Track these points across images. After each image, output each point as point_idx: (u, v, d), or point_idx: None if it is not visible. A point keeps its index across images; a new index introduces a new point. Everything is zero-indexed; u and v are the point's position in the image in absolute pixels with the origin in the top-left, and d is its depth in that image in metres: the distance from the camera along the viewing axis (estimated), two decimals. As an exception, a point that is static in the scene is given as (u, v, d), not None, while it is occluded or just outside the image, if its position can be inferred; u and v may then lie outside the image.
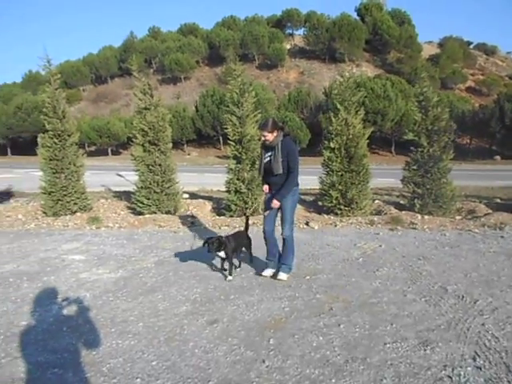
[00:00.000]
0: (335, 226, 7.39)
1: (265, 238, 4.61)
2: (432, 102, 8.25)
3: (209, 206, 9.17)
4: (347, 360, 2.83)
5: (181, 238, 6.48)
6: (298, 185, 4.47)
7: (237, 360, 2.87)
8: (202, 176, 19.06)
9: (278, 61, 52.73)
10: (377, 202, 9.15)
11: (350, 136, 8.13)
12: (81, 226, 7.47)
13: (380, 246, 5.88)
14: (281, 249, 4.62)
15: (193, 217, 7.97)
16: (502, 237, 6.26)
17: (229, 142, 8.33)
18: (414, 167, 8.34)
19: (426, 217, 7.62)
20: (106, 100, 54.66)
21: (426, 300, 3.83)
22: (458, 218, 8.05)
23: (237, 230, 6.07)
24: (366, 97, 32.47)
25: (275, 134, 4.27)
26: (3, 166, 26.30)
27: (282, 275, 4.51)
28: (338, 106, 8.25)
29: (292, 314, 3.60)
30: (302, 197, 10.25)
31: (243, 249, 5.00)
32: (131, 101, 47.76)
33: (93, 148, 40.49)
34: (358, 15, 57.09)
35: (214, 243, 4.45)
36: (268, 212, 4.52)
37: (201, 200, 9.51)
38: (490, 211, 8.43)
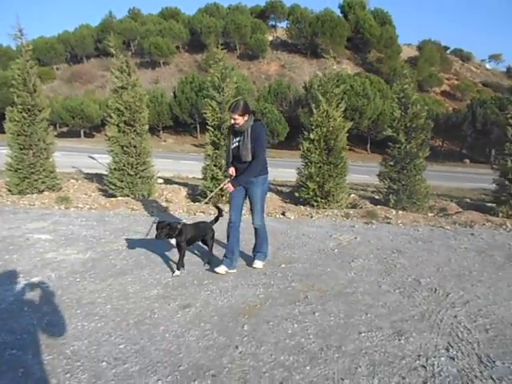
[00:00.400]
0: (311, 217, 7.37)
1: (228, 230, 4.21)
2: (412, 99, 8.33)
3: (184, 192, 8.98)
4: (322, 348, 2.78)
5: (154, 222, 6.28)
6: (267, 173, 4.23)
7: (209, 345, 2.77)
8: (177, 163, 18.71)
9: (260, 52, 52.36)
10: (352, 195, 9.21)
11: (331, 128, 8.10)
12: (48, 206, 7.15)
13: (355, 238, 5.89)
14: (254, 239, 4.46)
15: (167, 201, 7.78)
16: (472, 234, 6.38)
17: (207, 127, 8.15)
18: (391, 163, 8.41)
19: (400, 212, 7.71)
20: (81, 80, 52.86)
21: (400, 291, 3.84)
22: (430, 214, 8.20)
23: (201, 219, 5.19)
24: (345, 93, 32.74)
25: (246, 118, 3.94)
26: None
27: (258, 263, 4.39)
28: (320, 97, 8.21)
29: (267, 301, 3.52)
30: (279, 188, 10.22)
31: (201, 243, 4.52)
32: (107, 82, 46.40)
33: (65, 129, 39.13)
34: (341, 12, 57.22)
35: (163, 228, 3.97)
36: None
37: (176, 186, 9.31)
38: (461, 210, 8.64)
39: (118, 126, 7.95)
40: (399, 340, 2.90)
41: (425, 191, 8.33)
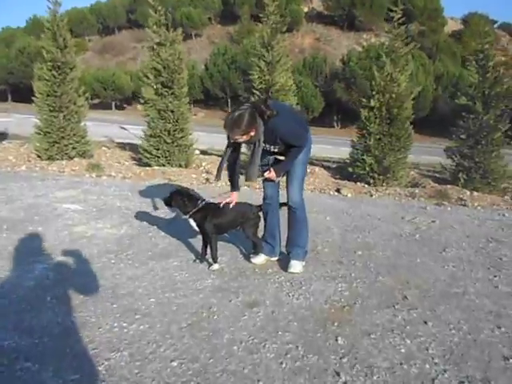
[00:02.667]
0: (371, 195, 6.41)
1: (264, 208, 3.24)
2: (493, 61, 7.10)
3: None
4: (462, 382, 1.91)
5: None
6: (311, 142, 3.06)
7: (297, 369, 1.95)
8: (210, 136, 17.91)
9: (294, 24, 50.20)
10: (412, 173, 8.15)
11: (394, 95, 7.02)
12: (79, 173, 6.47)
13: (433, 221, 4.92)
14: (287, 227, 3.23)
15: (207, 173, 6.98)
16: None
17: (253, 91, 7.23)
18: (463, 136, 7.29)
19: (476, 193, 6.64)
20: (113, 52, 52.35)
21: (527, 295, 2.91)
22: (506, 197, 7.09)
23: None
24: (412, 56, 30.88)
25: (252, 133, 2.73)
26: (1, 110, 25.03)
27: (296, 265, 3.10)
28: (384, 57, 7.11)
29: (355, 302, 2.67)
30: (324, 163, 9.28)
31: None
32: (138, 54, 45.82)
33: (96, 101, 38.80)
34: (381, -18, 53.96)
35: (177, 196, 3.04)
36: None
37: (214, 157, 8.49)
38: (542, 193, 7.48)
39: (154, 87, 7.14)
40: None
41: (502, 170, 7.19)
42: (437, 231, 4.50)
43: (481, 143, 7.11)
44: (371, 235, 4.21)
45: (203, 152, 9.57)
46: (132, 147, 9.03)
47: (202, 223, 3.03)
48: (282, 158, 2.95)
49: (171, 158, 7.29)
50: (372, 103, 7.03)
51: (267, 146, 2.85)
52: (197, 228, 3.08)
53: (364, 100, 7.38)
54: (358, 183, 7.16)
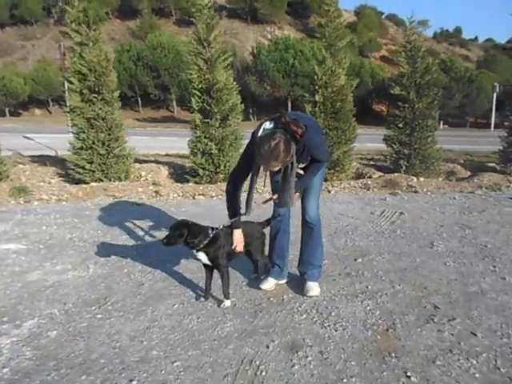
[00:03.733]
0: (328, 191, 6.36)
1: (273, 226, 2.91)
2: (421, 51, 7.45)
3: (165, 171, 7.55)
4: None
5: (153, 213, 4.92)
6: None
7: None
8: (129, 138, 16.76)
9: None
10: (354, 164, 8.31)
11: (336, 88, 7.03)
12: (1, 201, 5.44)
13: (401, 213, 4.98)
14: (298, 243, 2.95)
15: (154, 184, 6.35)
16: (510, 198, 5.77)
17: (193, 91, 6.72)
18: (400, 125, 7.58)
19: (422, 179, 6.94)
20: (-3, 52, 46.75)
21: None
22: (440, 179, 7.55)
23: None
24: (295, 59, 31.78)
25: (288, 158, 2.34)
26: None
27: (313, 287, 2.79)
28: (324, 52, 7.07)
29: (393, 322, 2.46)
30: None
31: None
32: (29, 54, 41.57)
33: (-17, 108, 34.41)
34: (279, -25, 55.28)
35: (180, 230, 2.51)
36: (269, 198, 2.76)
37: (153, 164, 7.81)
38: (469, 173, 8.11)
39: (81, 93, 6.27)
40: None
41: (437, 154, 7.64)
42: (412, 224, 4.53)
43: (417, 130, 7.46)
44: (357, 238, 4.08)
45: (136, 160, 8.77)
46: (53, 161, 7.94)
47: (216, 256, 2.58)
48: (300, 171, 2.61)
49: (108, 171, 6.50)
50: (316, 98, 6.97)
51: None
52: (208, 262, 2.62)
53: (307, 95, 7.31)
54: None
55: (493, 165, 8.67)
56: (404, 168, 7.51)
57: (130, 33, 46.97)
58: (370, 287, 2.94)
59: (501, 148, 8.20)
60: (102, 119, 6.42)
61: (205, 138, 6.69)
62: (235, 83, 6.96)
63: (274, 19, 50.23)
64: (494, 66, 50.41)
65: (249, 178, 2.54)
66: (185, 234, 2.46)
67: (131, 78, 32.93)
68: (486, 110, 32.78)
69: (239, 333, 2.33)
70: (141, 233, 4.15)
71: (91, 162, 6.40)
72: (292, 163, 2.42)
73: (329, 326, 2.41)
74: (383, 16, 69.93)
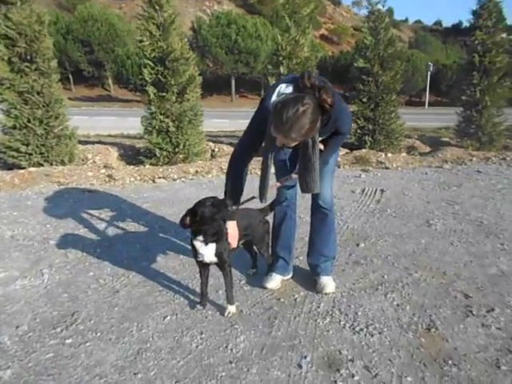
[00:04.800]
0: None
1: (277, 213, 2.46)
2: (385, 22, 7.19)
3: (114, 152, 6.73)
4: None
5: (109, 200, 4.23)
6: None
7: None
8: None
9: (130, -10, 46.31)
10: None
11: (300, 60, 6.59)
12: None
13: (382, 191, 4.73)
14: (308, 233, 2.53)
15: (106, 167, 5.57)
16: (479, 171, 5.76)
17: (145, 61, 5.94)
18: (364, 99, 7.34)
19: (390, 154, 6.77)
20: None
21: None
22: (403, 154, 7.48)
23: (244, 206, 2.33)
24: (237, 35, 30.86)
25: (313, 132, 1.87)
26: None
27: (329, 282, 2.39)
28: (287, 19, 6.56)
29: (430, 319, 2.12)
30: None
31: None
32: None
33: None
34: None
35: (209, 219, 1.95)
36: (285, 178, 2.24)
37: (100, 145, 6.94)
38: (429, 148, 8.14)
39: (9, 61, 5.27)
40: None
41: (400, 130, 7.53)
42: (398, 202, 4.28)
43: (381, 105, 7.27)
44: (348, 219, 3.74)
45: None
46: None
47: (224, 249, 2.06)
48: (321, 146, 2.12)
49: (49, 153, 5.59)
50: (281, 70, 6.49)
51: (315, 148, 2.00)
52: (214, 259, 2.08)
53: (270, 67, 6.80)
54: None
55: (447, 139, 8.80)
56: (369, 144, 7.32)
57: (56, 3, 43.06)
58: (385, 277, 2.58)
59: (456, 123, 8.28)
60: (38, 93, 5.47)
61: (160, 114, 5.98)
62: (192, 52, 6.26)
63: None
64: (424, 46, 52.86)
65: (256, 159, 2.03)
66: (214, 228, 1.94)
67: (60, 54, 30.21)
68: (420, 88, 34.19)
69: (258, 349, 1.86)
70: (100, 225, 3.48)
71: (27, 144, 5.46)
72: (314, 139, 1.94)
73: (361, 330, 2.01)
74: (321, -6, 70.36)
